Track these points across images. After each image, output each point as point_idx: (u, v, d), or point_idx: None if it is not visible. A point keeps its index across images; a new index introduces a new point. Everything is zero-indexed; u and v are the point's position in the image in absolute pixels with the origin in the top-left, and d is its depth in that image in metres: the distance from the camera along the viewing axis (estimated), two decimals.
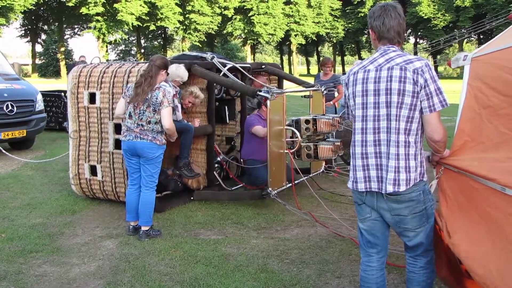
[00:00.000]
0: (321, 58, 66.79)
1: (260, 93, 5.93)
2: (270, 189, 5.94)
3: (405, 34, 2.90)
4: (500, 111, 2.74)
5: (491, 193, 2.64)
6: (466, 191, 2.84)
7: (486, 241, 2.59)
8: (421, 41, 61.47)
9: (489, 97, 2.83)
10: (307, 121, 6.38)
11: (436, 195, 3.03)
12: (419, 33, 60.78)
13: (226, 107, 7.54)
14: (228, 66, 6.77)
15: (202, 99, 6.63)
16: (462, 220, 2.79)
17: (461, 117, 2.97)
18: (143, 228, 5.16)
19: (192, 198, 6.44)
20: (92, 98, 6.17)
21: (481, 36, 50.31)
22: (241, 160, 7.10)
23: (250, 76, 7.18)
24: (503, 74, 2.78)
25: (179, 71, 5.99)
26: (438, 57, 50.77)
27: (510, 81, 2.72)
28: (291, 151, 6.29)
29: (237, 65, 7.03)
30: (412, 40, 63.36)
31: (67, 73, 14.75)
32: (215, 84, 6.74)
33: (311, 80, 9.28)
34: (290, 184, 6.35)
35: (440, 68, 64.27)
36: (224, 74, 6.60)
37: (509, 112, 2.68)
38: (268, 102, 5.86)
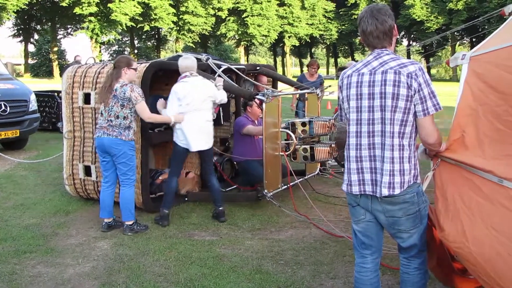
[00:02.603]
0: None
1: (257, 97, 5.95)
2: (265, 191, 5.96)
3: (394, 33, 2.86)
4: (496, 108, 2.76)
5: (488, 184, 2.67)
6: (462, 183, 2.87)
7: (481, 233, 2.63)
8: (414, 44, 61.75)
9: (487, 94, 2.86)
10: (303, 124, 6.39)
11: (430, 197, 3.06)
12: (412, 35, 61.04)
13: (220, 108, 7.53)
14: (223, 67, 6.78)
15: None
16: (456, 213, 2.83)
17: (457, 113, 2.99)
18: (127, 223, 5.34)
19: (186, 199, 6.45)
20: (86, 98, 6.17)
21: (474, 40, 50.61)
22: (234, 163, 7.10)
23: (246, 77, 7.19)
24: (502, 72, 2.81)
25: (192, 63, 5.81)
26: (431, 59, 51.02)
27: (508, 79, 2.74)
28: (286, 153, 6.30)
29: (232, 67, 7.04)
30: (405, 42, 63.62)
31: (61, 74, 14.74)
32: None
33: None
34: (286, 186, 6.38)
35: (433, 71, 64.57)
36: (219, 76, 6.60)
37: (506, 109, 2.71)
38: (263, 104, 5.88)
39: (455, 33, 52.57)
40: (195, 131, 5.58)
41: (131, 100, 5.15)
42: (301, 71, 73.99)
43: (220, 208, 5.79)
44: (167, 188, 5.77)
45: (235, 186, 7.00)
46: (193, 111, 5.55)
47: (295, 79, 9.36)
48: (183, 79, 5.62)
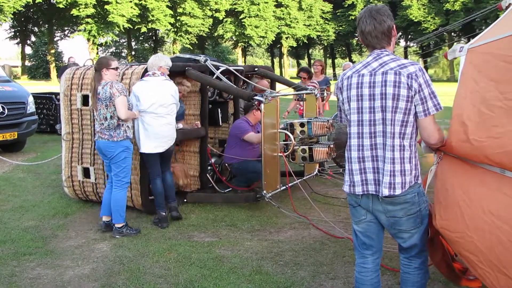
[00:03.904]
0: (312, 61, 66.94)
1: (256, 97, 5.94)
2: (264, 191, 5.96)
3: (393, 33, 2.86)
4: (485, 94, 2.77)
5: (490, 176, 2.68)
6: (463, 173, 2.88)
7: (480, 220, 2.64)
8: (411, 44, 61.86)
9: (479, 83, 2.87)
10: (301, 124, 6.39)
11: (431, 197, 3.07)
12: (409, 36, 61.17)
13: (219, 110, 7.55)
14: (222, 69, 6.78)
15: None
16: (455, 202, 2.84)
17: (454, 105, 3.00)
18: (116, 225, 5.34)
19: (185, 200, 6.44)
20: (85, 100, 6.16)
21: (471, 40, 50.66)
22: (226, 164, 6.95)
23: (244, 79, 7.19)
24: (496, 61, 2.81)
25: (155, 59, 5.71)
26: (428, 60, 51.09)
27: (502, 67, 2.75)
28: (285, 154, 6.31)
29: (231, 68, 7.05)
30: (402, 43, 63.74)
31: (58, 76, 14.74)
32: (208, 86, 6.75)
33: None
34: (284, 187, 6.38)
35: (430, 71, 64.62)
36: (218, 77, 6.61)
37: (494, 95, 2.71)
38: (262, 105, 5.88)
39: (452, 33, 52.66)
40: (150, 134, 5.48)
41: (113, 96, 5.14)
42: (298, 72, 73.96)
43: (172, 205, 5.83)
44: (154, 191, 5.74)
45: (231, 189, 6.96)
46: (149, 113, 5.46)
47: (293, 80, 9.35)
48: (144, 78, 5.57)
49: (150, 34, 63.26)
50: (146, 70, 5.76)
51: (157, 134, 5.50)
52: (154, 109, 5.45)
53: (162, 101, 5.50)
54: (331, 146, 6.48)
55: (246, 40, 59.37)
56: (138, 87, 5.49)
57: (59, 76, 14.06)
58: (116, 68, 5.37)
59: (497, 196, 2.60)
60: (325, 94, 9.16)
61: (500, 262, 2.53)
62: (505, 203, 2.55)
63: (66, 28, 61.67)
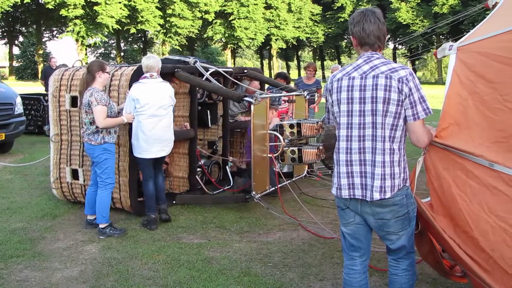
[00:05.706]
0: (301, 63, 66.74)
1: (245, 99, 5.95)
2: (253, 192, 5.97)
3: (386, 38, 2.91)
4: (485, 97, 2.81)
5: (478, 168, 2.72)
6: (454, 167, 2.91)
7: (482, 220, 2.67)
8: (400, 47, 62.16)
9: (475, 83, 2.90)
10: (291, 126, 6.40)
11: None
12: (397, 39, 61.50)
13: (208, 111, 7.54)
14: (211, 70, 6.79)
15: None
16: (454, 201, 2.87)
17: (446, 102, 3.03)
18: (100, 226, 5.37)
19: (174, 202, 6.43)
20: (74, 101, 6.13)
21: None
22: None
23: (234, 80, 7.20)
24: (491, 61, 2.86)
25: (155, 61, 5.63)
26: (417, 62, 51.37)
27: (498, 68, 2.79)
28: (274, 155, 6.32)
29: (220, 70, 7.05)
30: (391, 45, 64.06)
31: (40, 77, 14.54)
32: (198, 88, 6.75)
33: (291, 84, 9.35)
34: (273, 188, 6.39)
35: (419, 73, 65.06)
36: (207, 79, 6.61)
37: (495, 97, 2.76)
38: (252, 107, 5.89)
39: (440, 36, 52.98)
40: (149, 139, 5.46)
41: (91, 104, 5.15)
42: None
43: (162, 206, 5.82)
44: (146, 193, 5.71)
45: (222, 189, 6.97)
46: (148, 116, 5.43)
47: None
48: (141, 80, 5.52)
49: (140, 35, 63.00)
50: (136, 72, 5.74)
51: (158, 138, 5.50)
52: (154, 110, 5.44)
53: (161, 103, 5.51)
54: (320, 147, 6.50)
55: (236, 41, 59.31)
56: (137, 90, 5.43)
57: (42, 77, 14.00)
58: (109, 73, 5.39)
59: (494, 194, 2.64)
60: (316, 96, 9.22)
61: (505, 263, 2.57)
62: (503, 201, 2.59)
63: (54, 28, 61.23)
